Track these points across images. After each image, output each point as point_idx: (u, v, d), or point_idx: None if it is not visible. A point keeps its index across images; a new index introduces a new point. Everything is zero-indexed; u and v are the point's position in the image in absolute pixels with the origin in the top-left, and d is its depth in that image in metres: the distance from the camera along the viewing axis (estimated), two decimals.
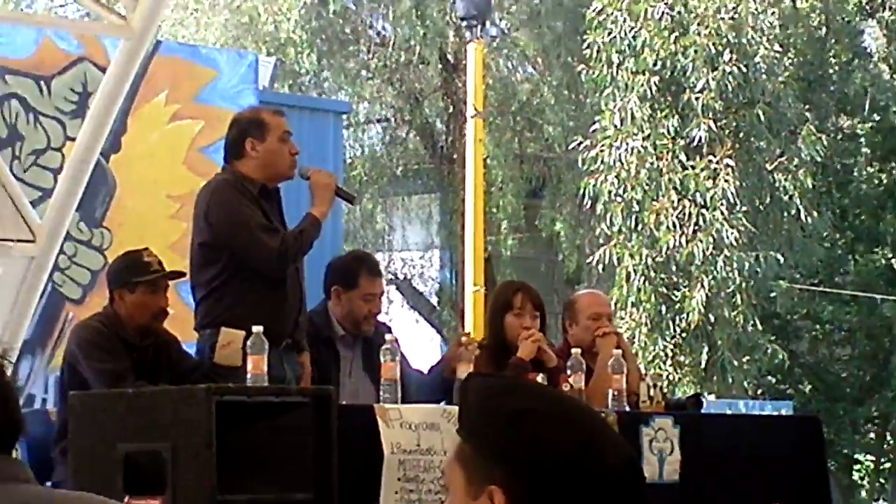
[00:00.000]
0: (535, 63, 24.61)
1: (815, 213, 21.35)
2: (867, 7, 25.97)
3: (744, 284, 20.15)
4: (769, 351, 21.37)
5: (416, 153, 25.23)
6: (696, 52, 20.06)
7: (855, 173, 23.44)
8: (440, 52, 23.61)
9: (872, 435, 23.81)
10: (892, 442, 23.87)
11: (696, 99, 20.05)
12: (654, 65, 20.07)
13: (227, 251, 6.64)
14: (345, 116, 20.74)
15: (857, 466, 23.64)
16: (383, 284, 7.39)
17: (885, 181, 23.45)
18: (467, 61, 16.21)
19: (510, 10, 23.98)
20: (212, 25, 22.49)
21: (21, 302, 8.11)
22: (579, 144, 20.80)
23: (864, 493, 23.90)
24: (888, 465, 23.85)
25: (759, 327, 20.88)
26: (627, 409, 6.52)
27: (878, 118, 23.59)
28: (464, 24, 15.99)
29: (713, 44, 20.12)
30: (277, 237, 6.65)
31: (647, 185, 20.04)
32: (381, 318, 7.41)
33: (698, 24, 20.14)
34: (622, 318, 18.62)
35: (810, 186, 21.01)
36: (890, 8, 25.34)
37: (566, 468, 2.42)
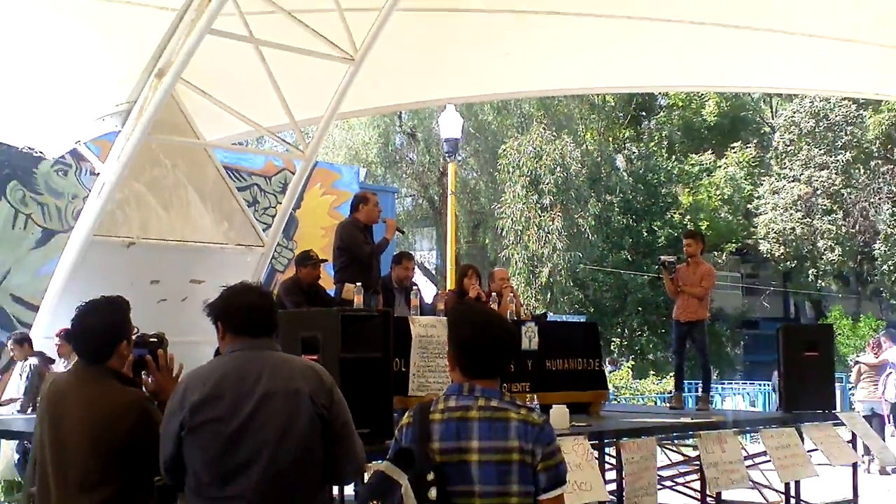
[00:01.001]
0: (478, 171, 24.55)
1: (595, 236, 21.42)
2: (616, 147, 26.04)
3: (565, 266, 20.18)
4: (576, 294, 21.41)
5: (426, 210, 25.14)
6: (544, 167, 20.09)
7: (612, 220, 23.45)
8: (437, 166, 23.55)
9: (619, 330, 23.84)
10: (626, 333, 23.91)
11: (545, 187, 20.07)
12: (527, 173, 20.10)
13: (349, 252, 6.59)
14: (395, 195, 20.76)
15: (612, 345, 23.61)
16: (414, 264, 7.34)
17: (626, 223, 23.51)
18: (448, 171, 16.16)
19: (467, 149, 23.95)
20: (339, 155, 22.45)
21: (256, 274, 8.08)
22: (496, 207, 20.82)
23: (614, 355, 23.90)
24: (626, 343, 23.89)
25: (572, 284, 20.91)
26: (516, 319, 6.51)
27: (621, 196, 23.67)
28: (447, 154, 15.93)
29: (551, 163, 20.16)
30: (369, 247, 6.62)
31: (524, 224, 20.06)
32: (413, 279, 7.38)
33: (545, 156, 20.19)
34: (514, 281, 18.66)
35: (593, 223, 21.08)
36: (627, 149, 25.39)
37: (484, 343, 2.43)
